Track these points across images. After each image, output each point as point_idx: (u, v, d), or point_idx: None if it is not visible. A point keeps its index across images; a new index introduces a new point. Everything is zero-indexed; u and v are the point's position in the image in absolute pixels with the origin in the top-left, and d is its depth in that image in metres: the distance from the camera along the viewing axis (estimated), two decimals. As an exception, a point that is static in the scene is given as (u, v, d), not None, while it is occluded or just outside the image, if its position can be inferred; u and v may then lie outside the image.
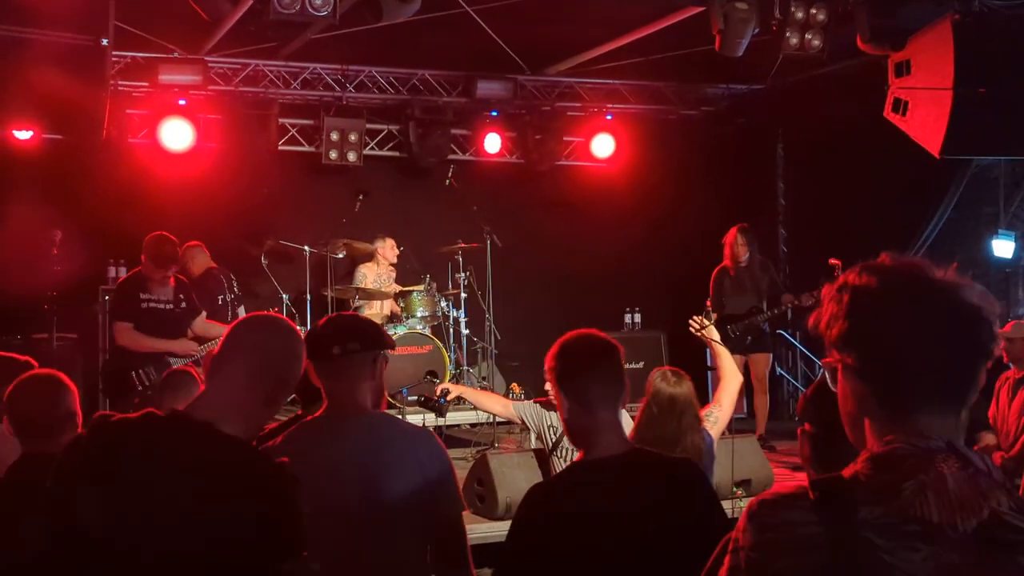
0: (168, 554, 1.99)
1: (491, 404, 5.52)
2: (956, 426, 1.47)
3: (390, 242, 9.60)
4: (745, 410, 10.27)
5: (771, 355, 8.90)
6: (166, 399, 4.48)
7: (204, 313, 6.98)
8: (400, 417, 2.97)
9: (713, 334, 4.69)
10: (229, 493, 2.04)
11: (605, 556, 2.49)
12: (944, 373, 1.46)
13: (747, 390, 8.53)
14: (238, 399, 2.18)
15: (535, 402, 5.25)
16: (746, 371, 8.34)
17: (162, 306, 6.54)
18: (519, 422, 5.36)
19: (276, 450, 2.68)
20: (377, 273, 9.54)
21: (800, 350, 10.52)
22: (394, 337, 8.81)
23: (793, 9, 7.17)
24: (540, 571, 2.55)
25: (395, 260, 9.66)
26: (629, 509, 2.50)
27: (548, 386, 4.84)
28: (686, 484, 2.60)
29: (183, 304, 6.67)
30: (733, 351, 8.59)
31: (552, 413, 5.10)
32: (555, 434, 5.07)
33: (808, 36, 7.30)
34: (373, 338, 2.80)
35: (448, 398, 5.38)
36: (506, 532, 6.50)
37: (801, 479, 1.74)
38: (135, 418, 2.17)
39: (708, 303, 7.74)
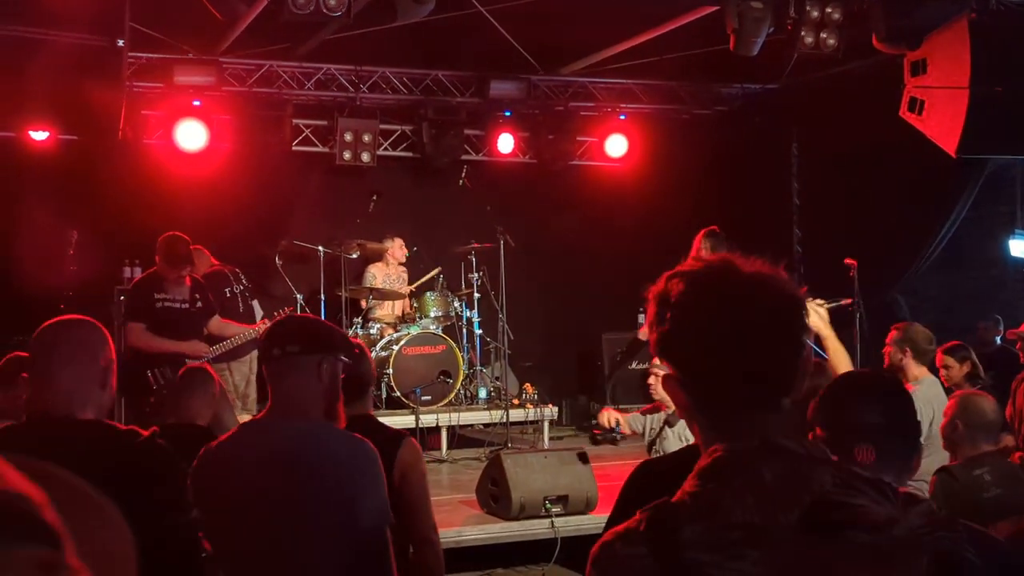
0: None
1: (625, 425, 6.12)
2: (777, 421, 1.43)
3: (398, 242, 9.61)
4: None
5: None
6: (182, 398, 4.50)
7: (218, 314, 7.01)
8: (341, 427, 2.89)
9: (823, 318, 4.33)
10: (100, 470, 2.11)
11: None
12: (756, 373, 1.43)
13: None
14: (80, 389, 2.44)
15: (638, 412, 6.03)
16: None
17: (177, 305, 6.56)
18: (630, 431, 6.12)
19: (217, 448, 2.73)
20: (387, 273, 9.55)
21: (813, 350, 10.47)
22: (407, 337, 8.85)
23: (808, 8, 7.13)
24: None
25: (404, 260, 9.67)
26: None
27: (651, 380, 5.63)
28: None
29: (199, 304, 6.69)
30: None
31: (650, 416, 5.86)
32: (653, 435, 5.81)
33: (823, 35, 7.26)
34: (318, 341, 2.73)
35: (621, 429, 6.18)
36: (520, 533, 6.53)
37: None
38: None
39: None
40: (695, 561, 1.32)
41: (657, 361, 5.46)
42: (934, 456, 4.93)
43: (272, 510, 2.58)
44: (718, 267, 1.49)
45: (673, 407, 5.25)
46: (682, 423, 5.25)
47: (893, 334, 5.66)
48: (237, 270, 8.33)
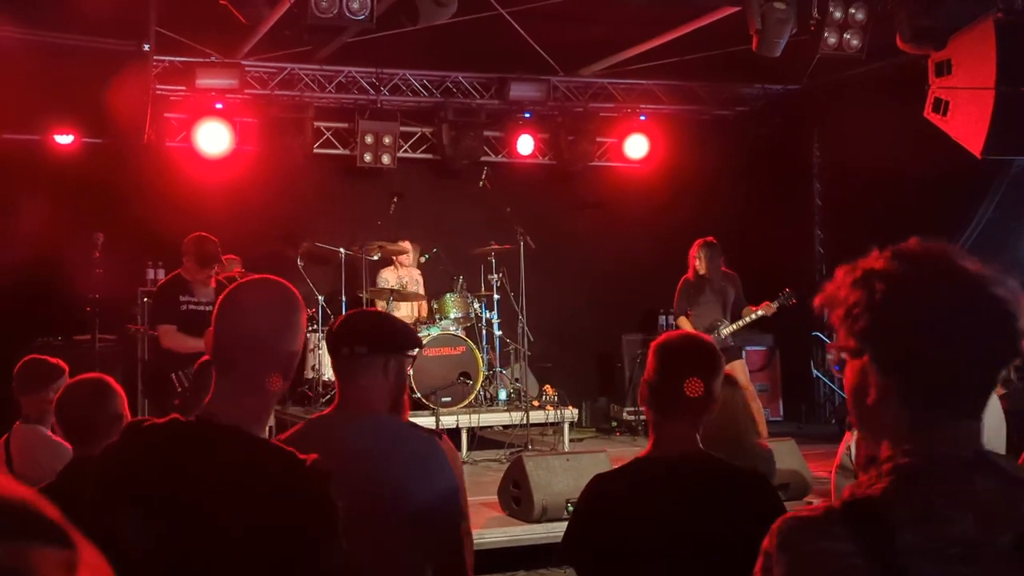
0: (205, 564, 1.98)
1: None
2: (979, 430, 1.40)
3: (404, 245, 9.59)
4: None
5: (744, 361, 8.85)
6: (202, 396, 4.49)
7: None
8: (412, 422, 2.94)
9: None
10: (262, 498, 2.01)
11: (651, 554, 2.51)
12: (976, 374, 1.38)
13: None
14: (254, 394, 2.09)
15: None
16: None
17: (202, 308, 6.57)
18: None
19: (285, 443, 2.71)
20: (399, 276, 9.55)
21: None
22: (427, 338, 8.85)
23: (831, 9, 7.08)
24: (594, 558, 2.59)
25: (411, 263, 9.64)
26: (680, 511, 2.50)
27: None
28: (745, 496, 2.57)
29: (222, 306, 6.70)
30: None
31: None
32: None
33: (847, 36, 7.20)
34: (385, 341, 2.75)
35: None
36: (542, 535, 6.51)
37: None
38: (163, 424, 2.09)
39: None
40: (912, 570, 1.28)
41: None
42: None
43: (350, 503, 2.59)
44: (945, 256, 1.41)
45: None
46: None
47: None
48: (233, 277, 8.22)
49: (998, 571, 1.29)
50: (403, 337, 2.83)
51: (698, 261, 8.55)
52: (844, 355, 1.45)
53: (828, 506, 1.36)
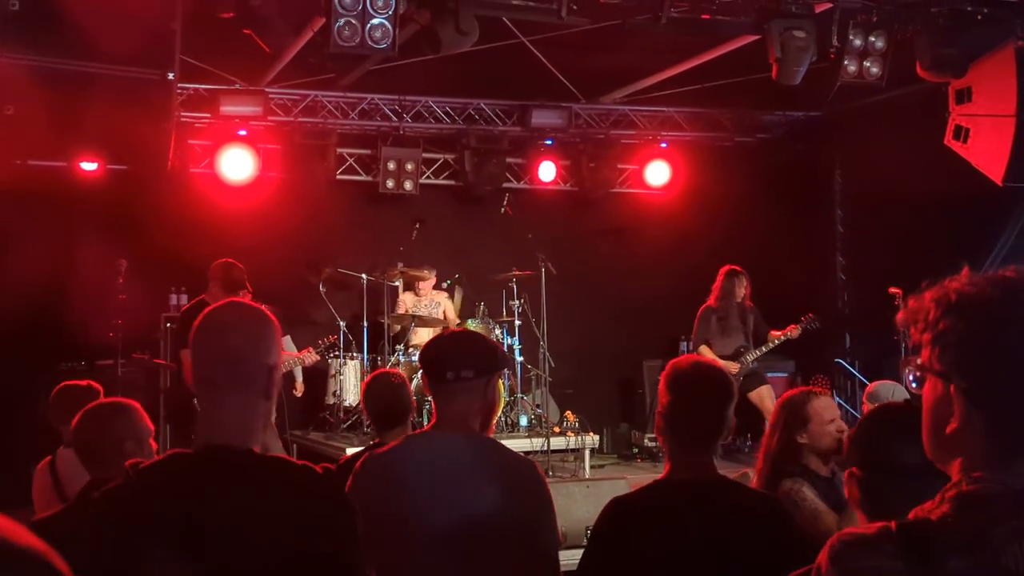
0: None
1: None
2: None
3: (422, 272, 9.59)
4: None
5: (771, 386, 8.76)
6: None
7: None
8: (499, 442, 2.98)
9: None
10: (288, 519, 1.96)
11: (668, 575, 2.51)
12: None
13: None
14: (252, 413, 2.06)
15: None
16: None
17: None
18: None
19: (380, 459, 2.73)
20: (416, 301, 9.56)
21: (860, 379, 10.33)
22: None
23: (851, 37, 7.07)
24: None
25: (427, 290, 9.64)
26: (697, 533, 2.51)
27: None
28: (760, 518, 2.57)
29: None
30: None
31: None
32: None
33: (867, 64, 7.17)
34: (488, 364, 2.81)
35: None
36: (562, 563, 6.47)
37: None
38: (165, 460, 2.04)
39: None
40: None
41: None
42: None
43: (448, 519, 2.62)
44: None
45: None
46: None
47: None
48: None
49: None
50: (500, 358, 2.89)
51: (723, 290, 8.52)
52: (927, 375, 1.42)
53: (884, 526, 1.35)
